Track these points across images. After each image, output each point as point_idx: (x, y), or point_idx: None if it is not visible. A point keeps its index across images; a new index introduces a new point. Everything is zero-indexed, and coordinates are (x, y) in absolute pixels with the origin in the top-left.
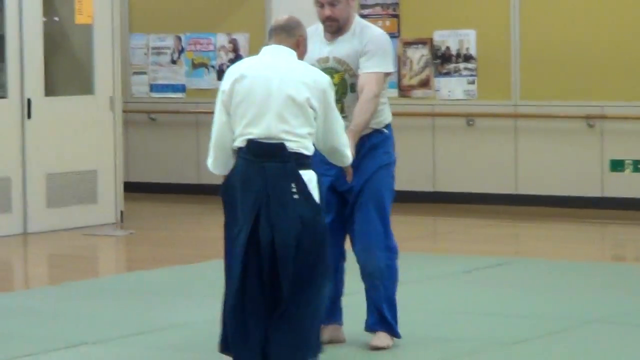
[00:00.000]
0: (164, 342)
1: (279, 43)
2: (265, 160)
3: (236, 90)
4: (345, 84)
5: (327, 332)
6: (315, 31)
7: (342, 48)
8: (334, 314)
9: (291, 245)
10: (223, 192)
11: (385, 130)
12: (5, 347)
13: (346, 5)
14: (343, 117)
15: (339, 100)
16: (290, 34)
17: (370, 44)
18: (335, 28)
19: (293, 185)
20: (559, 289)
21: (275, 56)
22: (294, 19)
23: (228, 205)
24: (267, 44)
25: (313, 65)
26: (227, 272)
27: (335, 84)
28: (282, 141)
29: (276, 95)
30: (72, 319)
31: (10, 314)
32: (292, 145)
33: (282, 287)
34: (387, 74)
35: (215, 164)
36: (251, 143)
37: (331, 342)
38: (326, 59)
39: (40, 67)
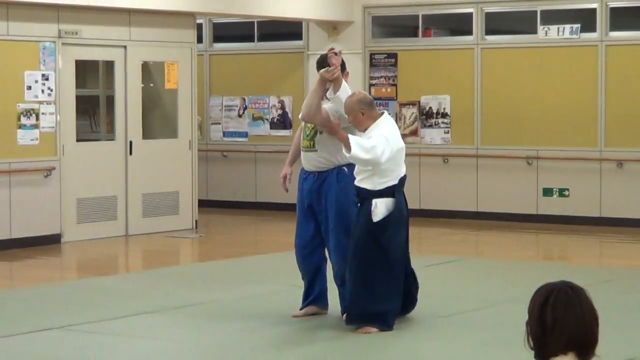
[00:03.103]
0: (208, 313)
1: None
2: None
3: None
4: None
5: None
6: None
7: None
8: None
9: None
10: (403, 209)
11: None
12: (99, 312)
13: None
14: (314, 151)
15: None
16: None
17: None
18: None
19: None
20: (492, 279)
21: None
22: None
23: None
24: (365, 110)
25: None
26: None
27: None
28: None
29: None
30: (152, 295)
31: (112, 291)
32: None
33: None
34: None
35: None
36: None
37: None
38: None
39: (139, 118)
